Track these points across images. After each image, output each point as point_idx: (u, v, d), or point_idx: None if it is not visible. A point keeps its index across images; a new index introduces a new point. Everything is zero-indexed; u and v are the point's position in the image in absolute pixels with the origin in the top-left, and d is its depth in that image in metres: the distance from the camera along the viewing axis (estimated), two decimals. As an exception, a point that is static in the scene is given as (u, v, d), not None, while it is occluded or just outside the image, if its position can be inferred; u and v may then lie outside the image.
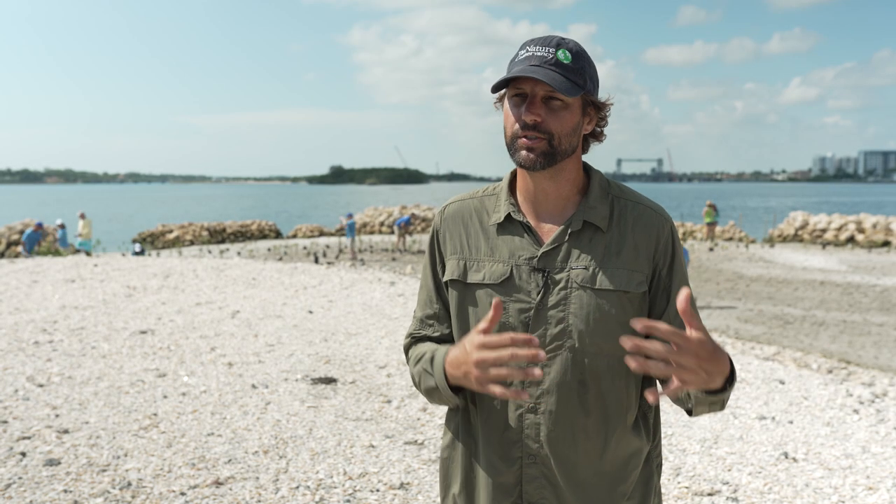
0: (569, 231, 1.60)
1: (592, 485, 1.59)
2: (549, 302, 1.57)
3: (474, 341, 1.43)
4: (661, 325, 1.28)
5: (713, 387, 1.39)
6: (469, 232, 1.68)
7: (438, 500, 4.03)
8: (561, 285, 1.57)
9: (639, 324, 1.29)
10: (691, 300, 1.32)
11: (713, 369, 1.34)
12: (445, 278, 1.68)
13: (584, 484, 1.58)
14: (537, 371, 1.35)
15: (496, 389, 1.40)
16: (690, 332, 1.31)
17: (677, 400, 1.57)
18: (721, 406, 1.51)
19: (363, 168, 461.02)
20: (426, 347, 1.68)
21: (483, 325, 1.43)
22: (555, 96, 1.53)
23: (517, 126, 1.55)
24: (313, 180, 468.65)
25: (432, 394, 1.62)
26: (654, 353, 1.28)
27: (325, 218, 46.66)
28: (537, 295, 1.57)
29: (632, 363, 1.28)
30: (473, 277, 1.63)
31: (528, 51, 1.57)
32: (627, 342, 1.29)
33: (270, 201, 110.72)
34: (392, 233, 31.89)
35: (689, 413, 1.58)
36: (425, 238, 29.22)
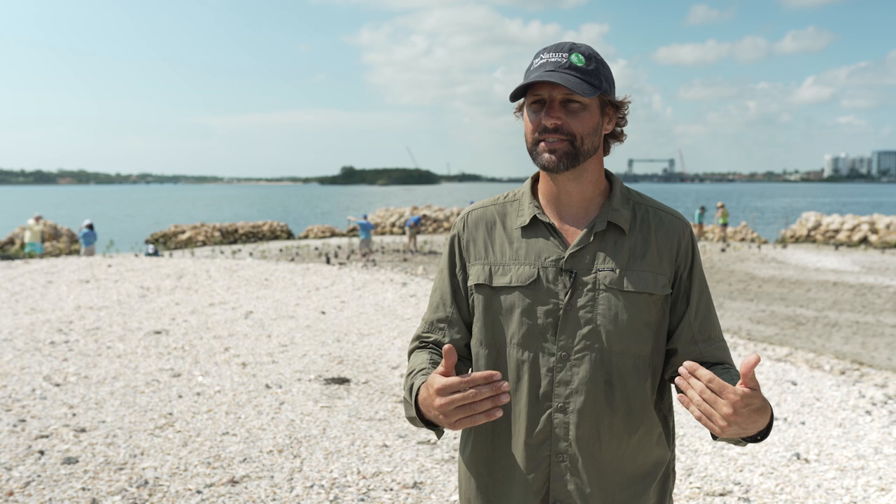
0: (594, 232, 1.62)
1: (616, 482, 1.61)
2: (578, 303, 1.60)
3: (434, 385, 1.43)
4: (703, 372, 1.37)
5: (743, 436, 1.43)
6: (493, 237, 1.70)
7: (452, 499, 4.06)
8: (589, 286, 1.60)
9: (684, 369, 1.39)
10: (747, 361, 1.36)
11: (749, 426, 1.38)
12: (471, 283, 1.70)
13: (609, 481, 1.61)
14: (499, 412, 1.38)
15: (469, 425, 1.41)
16: (738, 388, 1.35)
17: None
18: (745, 444, 1.55)
19: (374, 169, 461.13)
20: (417, 362, 1.68)
21: (441, 368, 1.43)
22: (573, 99, 1.56)
23: (538, 131, 1.59)
24: (325, 181, 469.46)
25: (413, 422, 1.62)
26: (695, 392, 1.38)
27: (338, 219, 46.77)
28: (565, 296, 1.59)
29: (682, 398, 1.40)
30: (500, 281, 1.65)
31: (541, 58, 1.60)
32: (681, 379, 1.40)
33: (282, 202, 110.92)
34: (403, 234, 31.95)
35: (713, 437, 1.61)
36: (436, 239, 29.25)
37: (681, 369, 1.40)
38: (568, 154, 1.57)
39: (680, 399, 1.40)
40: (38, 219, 21.92)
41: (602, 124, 1.63)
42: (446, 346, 1.42)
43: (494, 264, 1.68)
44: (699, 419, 1.37)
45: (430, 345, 1.76)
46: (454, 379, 1.40)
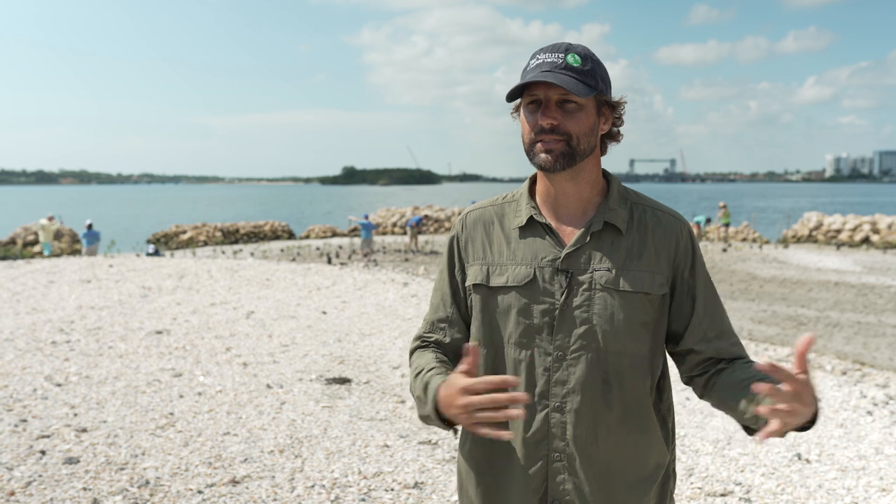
0: (590, 232, 1.63)
1: (615, 483, 1.61)
2: (574, 303, 1.60)
3: (457, 385, 1.45)
4: (784, 370, 1.30)
5: (798, 422, 1.40)
6: (491, 238, 1.71)
7: (453, 499, 4.06)
8: (585, 286, 1.60)
9: (767, 367, 1.31)
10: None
11: (807, 413, 1.36)
12: (468, 283, 1.71)
13: (607, 481, 1.61)
14: (509, 434, 1.41)
15: (485, 431, 1.42)
16: (800, 376, 1.32)
17: (744, 419, 1.54)
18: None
19: (375, 169, 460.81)
20: (424, 361, 1.69)
21: (464, 366, 1.45)
22: (569, 99, 1.57)
23: (534, 132, 1.59)
24: (326, 181, 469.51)
25: (426, 420, 1.63)
26: (783, 400, 1.30)
27: (340, 219, 46.81)
28: (561, 296, 1.60)
29: (762, 409, 1.31)
30: (496, 281, 1.65)
31: (538, 59, 1.60)
32: (762, 387, 1.30)
33: (284, 202, 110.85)
34: (405, 234, 31.96)
35: (751, 432, 1.56)
36: (438, 239, 29.26)
37: (763, 366, 1.32)
38: (564, 154, 1.58)
39: (769, 392, 1.30)
40: (50, 219, 22.11)
41: (598, 124, 1.63)
42: (470, 345, 1.44)
43: (492, 264, 1.68)
44: (780, 417, 1.31)
45: (432, 344, 1.77)
46: (478, 380, 1.42)
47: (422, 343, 1.78)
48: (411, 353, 1.79)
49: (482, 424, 1.43)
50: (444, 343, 1.75)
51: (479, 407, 1.41)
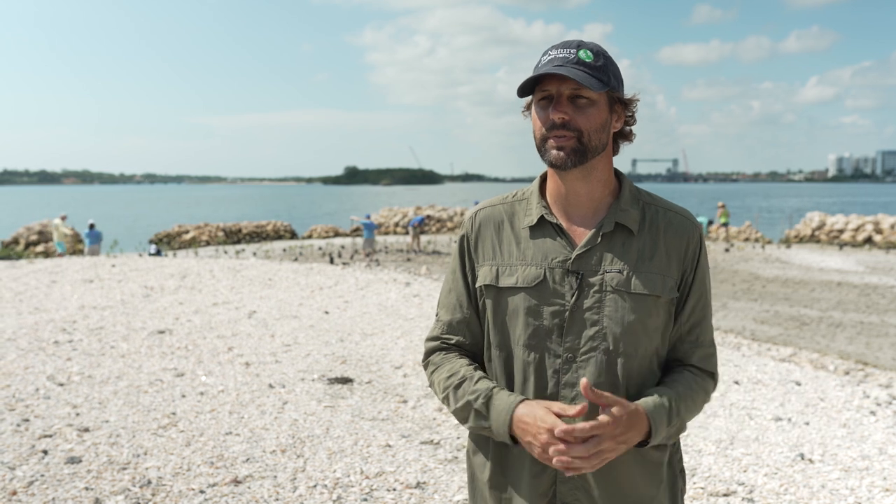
0: (601, 233, 1.61)
1: (623, 485, 1.60)
2: (585, 304, 1.58)
3: (546, 423, 1.47)
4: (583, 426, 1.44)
5: (631, 446, 1.51)
6: (501, 237, 1.69)
7: (455, 499, 4.05)
8: (595, 288, 1.59)
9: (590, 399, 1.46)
10: (589, 387, 1.44)
11: (630, 439, 1.48)
12: (479, 284, 1.69)
13: (615, 484, 1.60)
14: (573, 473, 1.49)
15: (563, 469, 1.48)
16: (602, 417, 1.44)
17: None
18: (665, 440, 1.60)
19: (378, 168, 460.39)
20: (460, 368, 1.66)
21: (557, 409, 1.49)
22: (581, 94, 1.55)
23: (545, 127, 1.57)
24: (328, 181, 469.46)
25: (480, 429, 1.62)
26: (582, 447, 1.44)
27: (342, 219, 46.82)
28: (572, 297, 1.58)
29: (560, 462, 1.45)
30: (506, 281, 1.64)
31: (549, 54, 1.58)
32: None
33: (286, 202, 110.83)
34: (406, 233, 31.96)
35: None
36: (440, 239, 29.24)
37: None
38: (576, 151, 1.55)
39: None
40: (63, 218, 22.24)
41: (611, 122, 1.61)
42: (587, 387, 1.45)
43: (502, 265, 1.66)
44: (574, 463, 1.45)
45: (454, 347, 1.73)
46: (571, 431, 1.44)
47: (442, 344, 1.74)
48: (429, 352, 1.76)
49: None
50: (466, 345, 1.72)
51: (563, 453, 1.45)
